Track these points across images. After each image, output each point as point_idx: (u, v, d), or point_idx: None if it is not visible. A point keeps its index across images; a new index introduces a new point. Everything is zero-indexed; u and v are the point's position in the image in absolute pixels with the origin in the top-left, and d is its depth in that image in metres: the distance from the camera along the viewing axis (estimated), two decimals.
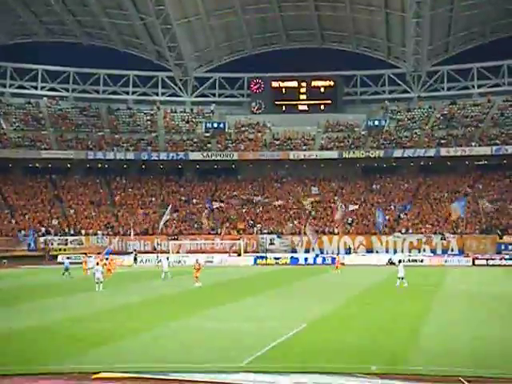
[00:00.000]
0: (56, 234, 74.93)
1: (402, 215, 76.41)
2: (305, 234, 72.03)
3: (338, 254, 64.86)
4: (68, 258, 61.99)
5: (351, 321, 26.77)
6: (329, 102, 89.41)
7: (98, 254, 61.95)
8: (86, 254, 62.86)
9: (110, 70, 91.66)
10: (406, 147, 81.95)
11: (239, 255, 68.93)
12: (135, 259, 66.97)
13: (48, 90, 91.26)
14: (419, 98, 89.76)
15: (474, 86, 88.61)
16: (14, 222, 76.25)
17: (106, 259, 53.18)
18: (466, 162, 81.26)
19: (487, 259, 64.19)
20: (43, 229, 75.36)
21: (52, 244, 73.42)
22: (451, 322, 26.16)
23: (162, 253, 68.17)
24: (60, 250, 72.55)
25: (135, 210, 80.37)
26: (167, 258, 52.47)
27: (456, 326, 24.91)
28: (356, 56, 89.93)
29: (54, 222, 77.32)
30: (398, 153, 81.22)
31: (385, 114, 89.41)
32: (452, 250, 69.42)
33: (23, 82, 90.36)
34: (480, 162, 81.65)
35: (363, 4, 79.79)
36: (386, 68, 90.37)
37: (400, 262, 43.78)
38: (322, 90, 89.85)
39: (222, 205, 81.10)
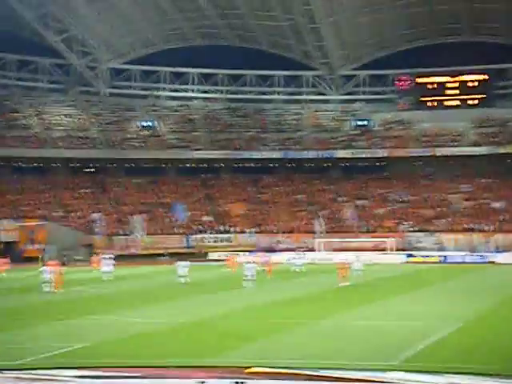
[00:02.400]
0: (208, 232, 77.11)
1: None
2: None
3: None
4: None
5: (507, 322, 25.91)
6: (480, 96, 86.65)
7: (249, 251, 63.20)
8: (232, 252, 64.06)
9: (258, 70, 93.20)
10: None
11: (387, 253, 68.18)
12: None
13: (200, 93, 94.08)
14: None
15: None
16: (168, 220, 79.12)
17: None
18: None
19: None
20: (197, 227, 77.74)
21: (203, 241, 75.59)
22: None
23: (309, 251, 68.47)
24: (211, 247, 74.55)
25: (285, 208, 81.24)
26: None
27: None
28: (508, 48, 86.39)
29: (206, 218, 79.61)
30: None
31: None
32: None
33: (177, 86, 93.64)
34: None
35: None
36: None
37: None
38: (473, 84, 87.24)
39: (369, 203, 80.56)
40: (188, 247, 73.90)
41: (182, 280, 42.19)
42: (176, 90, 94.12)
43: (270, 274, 46.77)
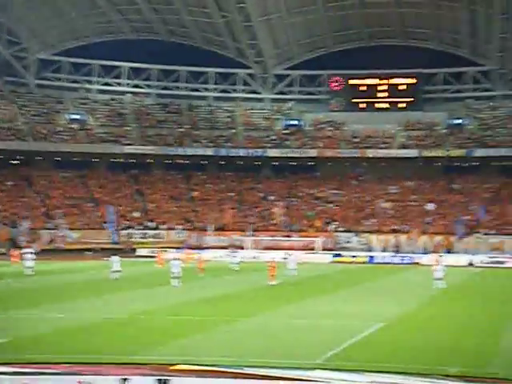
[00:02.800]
0: (136, 228, 76.39)
1: (483, 216, 74.78)
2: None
3: (439, 255, 60.64)
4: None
5: (430, 321, 26.41)
6: (409, 100, 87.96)
7: (177, 248, 62.89)
8: (160, 248, 63.66)
9: (190, 67, 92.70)
10: (488, 146, 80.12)
11: (315, 253, 68.71)
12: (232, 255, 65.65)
13: (132, 87, 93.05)
14: (503, 97, 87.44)
15: None
16: (99, 214, 78.08)
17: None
18: None
19: None
20: (125, 222, 76.96)
21: (132, 237, 74.90)
22: None
23: (238, 248, 68.51)
24: (140, 243, 73.92)
25: (213, 205, 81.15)
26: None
27: None
28: (438, 53, 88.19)
29: (135, 214, 78.88)
30: (479, 152, 79.45)
31: (467, 112, 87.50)
32: None
33: (108, 79, 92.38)
34: None
35: (447, 1, 78.32)
36: (468, 65, 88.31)
37: (437, 262, 41.93)
38: (403, 87, 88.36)
39: (299, 202, 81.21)
40: (114, 243, 73.05)
41: (116, 275, 41.74)
42: (107, 84, 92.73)
43: (202, 271, 46.56)
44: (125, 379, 14.14)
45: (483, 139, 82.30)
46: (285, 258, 65.10)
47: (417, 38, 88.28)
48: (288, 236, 74.14)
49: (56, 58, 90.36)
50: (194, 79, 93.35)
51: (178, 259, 40.53)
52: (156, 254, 59.81)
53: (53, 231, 73.64)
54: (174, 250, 63.40)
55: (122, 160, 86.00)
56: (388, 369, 17.37)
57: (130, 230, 75.84)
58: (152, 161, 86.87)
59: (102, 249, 69.12)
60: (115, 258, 43.02)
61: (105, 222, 75.76)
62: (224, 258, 65.45)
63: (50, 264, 53.84)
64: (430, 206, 77.62)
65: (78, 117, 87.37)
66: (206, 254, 67.68)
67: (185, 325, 24.52)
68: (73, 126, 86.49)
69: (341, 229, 75.36)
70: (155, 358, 18.28)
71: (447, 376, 16.52)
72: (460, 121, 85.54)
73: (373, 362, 18.32)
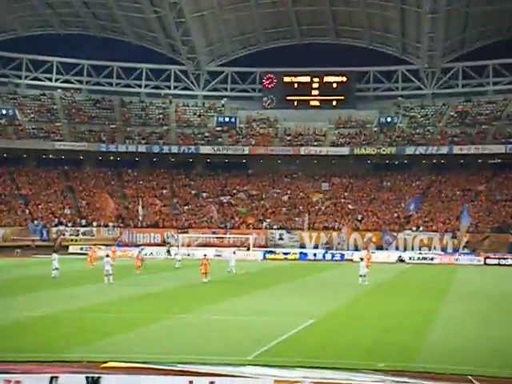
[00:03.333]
0: (68, 225, 75.23)
1: (412, 213, 76.24)
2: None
3: (368, 250, 60.35)
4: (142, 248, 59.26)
5: (359, 318, 26.80)
6: (341, 97, 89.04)
7: (108, 245, 62.26)
8: (93, 245, 62.99)
9: (123, 62, 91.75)
10: (418, 144, 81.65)
11: (248, 250, 68.95)
12: (168, 252, 65.80)
13: (62, 82, 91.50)
14: (433, 95, 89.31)
15: (489, 84, 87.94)
16: (27, 212, 76.60)
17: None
18: (479, 161, 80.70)
19: (499, 258, 63.77)
20: (56, 219, 75.71)
21: (64, 234, 73.77)
22: (460, 320, 26.13)
23: (171, 246, 68.35)
24: (72, 240, 72.91)
25: (147, 201, 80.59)
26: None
27: (465, 325, 24.88)
28: (369, 52, 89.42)
29: (67, 211, 77.69)
30: (410, 150, 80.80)
31: (397, 110, 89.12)
32: (463, 249, 69.15)
33: (38, 74, 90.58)
34: (493, 161, 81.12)
35: None
36: (399, 64, 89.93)
37: (362, 259, 42.62)
38: (335, 85, 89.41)
39: (232, 199, 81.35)
40: (43, 240, 71.84)
41: (56, 273, 41.01)
42: (36, 79, 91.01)
43: (138, 268, 46.05)
44: (54, 377, 13.95)
45: (413, 137, 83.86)
46: (218, 255, 65.59)
47: (348, 37, 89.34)
48: (222, 233, 74.17)
49: None
50: (127, 75, 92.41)
51: (108, 256, 40.20)
52: (88, 252, 59.06)
53: None
54: (105, 247, 62.80)
55: (52, 156, 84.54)
56: (318, 364, 17.57)
57: (61, 227, 74.58)
58: (83, 157, 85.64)
59: (30, 246, 68.13)
60: (55, 256, 42.37)
61: (33, 220, 74.34)
62: (159, 255, 65.41)
63: None
64: (357, 204, 78.36)
65: (6, 112, 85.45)
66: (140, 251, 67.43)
67: (116, 322, 24.31)
68: (1, 121, 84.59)
69: (274, 226, 75.74)
70: (86, 356, 18.09)
71: (375, 370, 16.80)
72: (390, 119, 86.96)
73: (303, 357, 18.49)
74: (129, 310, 27.77)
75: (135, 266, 46.43)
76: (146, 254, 64.47)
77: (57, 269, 41.54)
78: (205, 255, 44.07)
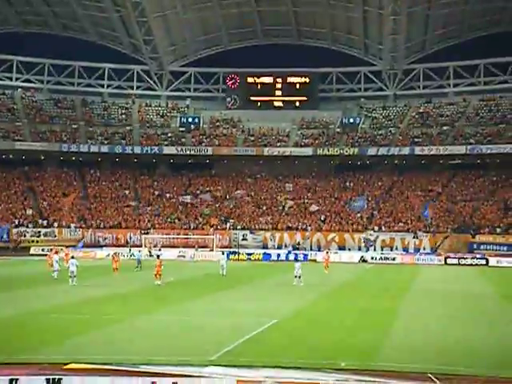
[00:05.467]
0: (29, 226, 74.34)
1: (375, 213, 76.88)
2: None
3: (327, 251, 59.11)
4: (139, 250, 57.47)
5: (322, 317, 26.90)
6: (304, 98, 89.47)
7: (69, 247, 61.69)
8: (52, 248, 62.29)
9: (85, 62, 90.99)
10: (380, 145, 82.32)
11: (211, 250, 68.84)
12: (150, 253, 64.78)
13: (23, 82, 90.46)
14: (395, 96, 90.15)
15: (449, 85, 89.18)
16: None
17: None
18: (441, 161, 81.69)
19: (459, 258, 64.61)
20: (16, 220, 74.78)
21: (25, 236, 72.89)
22: (421, 319, 26.38)
23: (134, 247, 67.94)
24: (33, 241, 72.10)
25: (108, 203, 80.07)
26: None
27: (426, 324, 25.13)
28: (332, 53, 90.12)
29: (29, 212, 76.79)
30: (372, 151, 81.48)
31: (360, 111, 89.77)
32: (424, 249, 69.93)
33: None
34: (454, 161, 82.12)
35: (341, 0, 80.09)
36: (362, 65, 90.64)
37: (297, 260, 42.75)
38: (298, 86, 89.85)
39: (195, 200, 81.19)
40: (2, 241, 70.94)
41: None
42: None
43: (115, 270, 45.17)
44: (14, 380, 13.78)
45: (375, 138, 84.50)
46: (182, 256, 65.38)
47: (311, 37, 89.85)
48: (184, 234, 74.00)
49: None
50: (88, 75, 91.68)
51: (73, 257, 39.79)
52: (48, 254, 58.39)
53: None
54: (69, 248, 62.19)
55: (12, 156, 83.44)
56: (281, 364, 17.61)
57: (22, 228, 73.69)
58: (44, 157, 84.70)
59: None
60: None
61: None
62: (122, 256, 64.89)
63: None
64: (314, 208, 78.63)
65: None
66: (100, 252, 66.94)
67: (78, 324, 24.08)
68: None
69: (237, 226, 75.72)
70: (47, 358, 17.89)
71: (337, 370, 16.90)
72: (353, 120, 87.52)
73: (266, 357, 18.52)
74: (91, 311, 27.54)
75: (113, 267, 45.58)
76: (108, 255, 64.16)
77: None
78: (158, 256, 43.38)
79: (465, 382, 15.81)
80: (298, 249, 70.71)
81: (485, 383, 16.32)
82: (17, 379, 13.87)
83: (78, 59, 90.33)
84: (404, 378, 16.37)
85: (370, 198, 79.17)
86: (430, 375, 16.44)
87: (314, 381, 14.46)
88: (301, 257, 65.91)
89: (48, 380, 13.88)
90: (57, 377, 14.20)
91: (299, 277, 38.98)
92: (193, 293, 34.82)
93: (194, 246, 69.91)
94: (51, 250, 59.15)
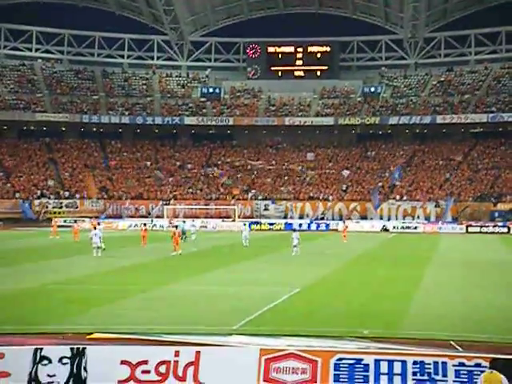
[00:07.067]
0: (51, 198, 74.83)
1: (396, 182, 76.54)
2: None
3: (344, 221, 60.98)
4: (184, 221, 56.01)
5: (344, 286, 26.96)
6: (325, 67, 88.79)
7: (95, 217, 62.12)
8: (76, 220, 62.84)
9: (105, 32, 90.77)
10: (401, 114, 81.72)
11: (233, 221, 69.02)
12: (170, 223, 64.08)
13: (42, 52, 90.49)
14: (416, 65, 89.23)
15: (471, 53, 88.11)
16: (9, 184, 76.14)
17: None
18: (462, 130, 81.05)
19: (481, 226, 64.38)
20: (39, 191, 75.28)
21: (47, 207, 73.37)
22: (443, 287, 26.34)
23: (157, 217, 68.27)
24: (55, 213, 72.54)
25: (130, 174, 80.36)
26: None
27: (448, 292, 25.09)
28: (353, 21, 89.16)
29: (50, 183, 77.27)
30: (393, 120, 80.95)
31: (381, 80, 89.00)
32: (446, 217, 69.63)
33: (18, 44, 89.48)
34: (476, 130, 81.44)
35: None
36: (383, 34, 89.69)
37: (294, 230, 42.69)
38: (318, 55, 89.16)
39: (217, 170, 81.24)
40: (23, 212, 71.54)
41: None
42: (16, 49, 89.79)
43: (144, 241, 45.10)
44: (38, 349, 13.95)
45: (397, 107, 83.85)
46: (204, 227, 65.57)
47: (332, 6, 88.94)
48: (206, 204, 74.21)
49: None
50: (109, 45, 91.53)
51: (95, 228, 39.89)
52: (72, 224, 58.83)
53: None
54: (92, 219, 62.66)
55: (33, 128, 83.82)
56: (303, 332, 17.68)
57: (44, 200, 74.19)
58: (65, 129, 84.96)
59: (11, 218, 67.89)
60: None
61: (15, 193, 73.95)
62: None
63: None
64: (346, 173, 78.79)
65: None
66: (123, 223, 67.38)
67: (102, 294, 24.27)
68: None
69: (259, 196, 75.79)
70: (71, 328, 18.08)
71: (359, 337, 16.95)
72: (374, 89, 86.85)
73: (288, 326, 18.60)
74: (115, 281, 27.77)
75: (142, 239, 44.48)
76: (130, 226, 64.68)
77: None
78: (176, 226, 43.14)
79: (487, 348, 15.79)
80: (322, 218, 70.68)
81: (506, 349, 16.30)
82: (41, 348, 14.01)
83: (97, 29, 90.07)
84: (426, 346, 16.38)
85: (391, 168, 78.80)
86: (452, 342, 16.45)
87: (336, 348, 14.48)
88: (323, 226, 65.97)
89: (72, 349, 14.01)
90: (81, 346, 14.31)
91: (295, 246, 38.80)
92: (215, 263, 34.96)
93: (215, 217, 70.12)
94: (75, 221, 59.67)
